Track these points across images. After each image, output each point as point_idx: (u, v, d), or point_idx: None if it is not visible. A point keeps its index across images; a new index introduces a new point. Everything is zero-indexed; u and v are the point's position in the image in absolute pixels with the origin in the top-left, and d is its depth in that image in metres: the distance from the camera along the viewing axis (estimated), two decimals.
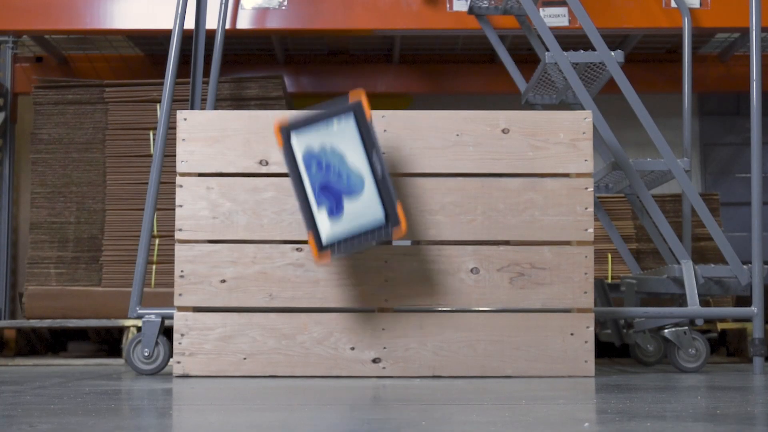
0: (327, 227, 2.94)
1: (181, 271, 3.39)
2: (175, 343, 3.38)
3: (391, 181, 3.00)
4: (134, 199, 4.79)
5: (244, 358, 3.37)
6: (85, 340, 5.18)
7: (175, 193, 3.63)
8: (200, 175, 3.44)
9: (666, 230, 3.68)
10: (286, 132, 2.99)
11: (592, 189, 3.40)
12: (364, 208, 2.96)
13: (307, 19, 4.72)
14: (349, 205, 2.94)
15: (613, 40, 5.50)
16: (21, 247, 5.78)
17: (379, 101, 5.91)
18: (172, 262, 4.66)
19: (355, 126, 2.95)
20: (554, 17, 4.69)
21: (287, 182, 3.41)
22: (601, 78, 3.90)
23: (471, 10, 4.41)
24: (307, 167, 2.90)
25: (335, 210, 2.93)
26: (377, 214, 2.98)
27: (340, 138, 2.93)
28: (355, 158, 2.95)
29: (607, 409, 2.17)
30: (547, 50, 3.80)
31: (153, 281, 4.72)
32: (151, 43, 5.50)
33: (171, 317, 3.48)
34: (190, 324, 3.39)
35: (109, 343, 5.17)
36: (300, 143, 2.91)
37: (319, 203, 2.93)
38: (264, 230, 3.41)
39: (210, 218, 3.41)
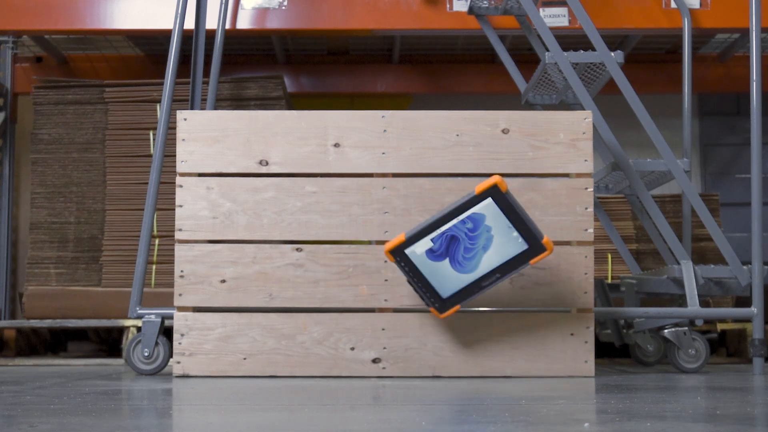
0: (452, 283, 3.11)
1: (181, 271, 3.39)
2: (175, 343, 3.38)
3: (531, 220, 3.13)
4: (134, 199, 4.79)
5: (244, 358, 3.37)
6: (85, 340, 5.18)
7: (175, 193, 3.63)
8: (200, 175, 3.44)
9: (666, 231, 3.68)
10: (399, 251, 3.13)
11: (592, 189, 3.40)
12: (502, 248, 3.12)
13: (307, 19, 4.72)
14: (485, 255, 3.12)
15: (613, 41, 5.50)
16: (21, 247, 5.79)
17: (379, 101, 5.91)
18: (172, 262, 4.66)
19: (494, 205, 3.11)
20: (554, 17, 4.69)
21: (287, 182, 3.42)
22: (601, 78, 3.90)
23: (471, 10, 4.41)
24: (435, 242, 3.11)
25: (463, 264, 3.12)
26: (520, 246, 3.12)
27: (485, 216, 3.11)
28: (498, 228, 3.10)
29: (607, 409, 2.17)
30: (547, 50, 3.80)
31: (153, 281, 4.72)
32: (151, 43, 5.50)
33: (171, 317, 3.48)
34: (190, 324, 3.39)
35: (109, 343, 5.18)
36: (418, 247, 3.12)
37: (448, 258, 3.12)
38: (264, 230, 3.41)
39: (210, 218, 3.42)
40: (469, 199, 3.10)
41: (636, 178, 3.71)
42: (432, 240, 3.11)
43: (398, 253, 3.13)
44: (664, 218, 3.69)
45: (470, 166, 3.42)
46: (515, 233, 3.11)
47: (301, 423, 1.91)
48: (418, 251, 3.12)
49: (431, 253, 3.12)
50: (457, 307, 3.16)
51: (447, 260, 3.12)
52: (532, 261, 3.13)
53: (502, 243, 3.11)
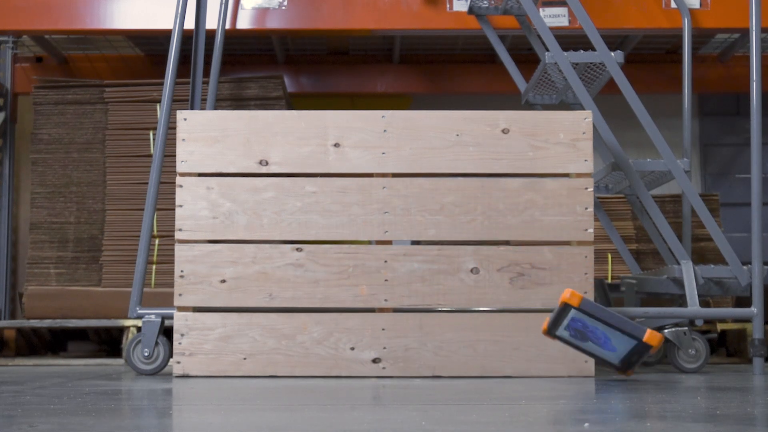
0: (611, 354, 3.20)
1: (181, 271, 3.39)
2: (175, 343, 3.38)
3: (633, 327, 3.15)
4: (134, 199, 4.79)
5: (244, 358, 3.37)
6: (85, 340, 5.18)
7: (175, 193, 3.63)
8: (200, 175, 3.44)
9: (666, 231, 3.68)
10: (552, 334, 3.21)
11: (592, 189, 3.40)
12: (619, 340, 3.16)
13: (307, 19, 4.72)
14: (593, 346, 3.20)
15: (613, 41, 5.50)
16: (21, 247, 5.78)
17: (379, 101, 5.91)
18: (172, 262, 4.66)
19: (583, 315, 3.13)
20: (554, 17, 4.69)
21: (287, 182, 3.42)
22: (601, 78, 3.90)
23: (471, 10, 4.41)
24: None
25: (603, 346, 3.18)
26: (630, 341, 3.15)
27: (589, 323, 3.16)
28: (603, 327, 3.14)
29: (607, 409, 2.17)
30: (547, 50, 3.80)
31: (153, 281, 4.72)
32: (151, 43, 5.50)
33: (171, 317, 3.48)
34: (190, 324, 3.39)
35: (109, 343, 5.17)
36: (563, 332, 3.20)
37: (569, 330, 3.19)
38: (264, 230, 3.41)
39: (210, 218, 3.42)
40: (559, 310, 3.13)
41: (636, 178, 3.71)
42: (566, 329, 3.16)
43: (552, 335, 3.18)
44: (664, 218, 3.69)
45: (470, 166, 3.42)
46: (618, 332, 3.12)
47: (301, 423, 1.91)
48: (566, 335, 3.18)
49: (574, 338, 3.17)
50: (631, 371, 3.23)
51: (590, 342, 3.16)
52: (651, 351, 3.14)
53: (616, 338, 3.14)
